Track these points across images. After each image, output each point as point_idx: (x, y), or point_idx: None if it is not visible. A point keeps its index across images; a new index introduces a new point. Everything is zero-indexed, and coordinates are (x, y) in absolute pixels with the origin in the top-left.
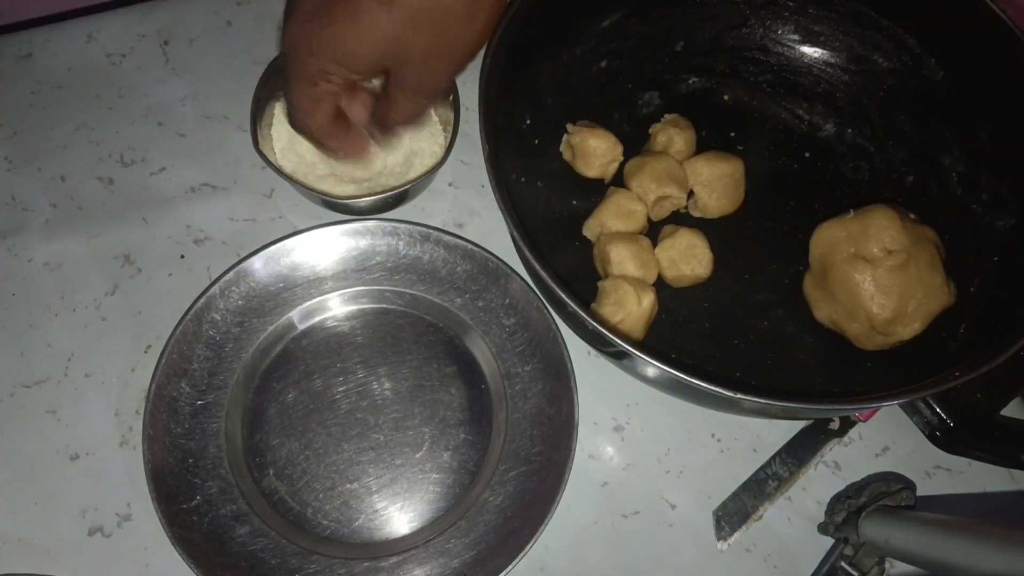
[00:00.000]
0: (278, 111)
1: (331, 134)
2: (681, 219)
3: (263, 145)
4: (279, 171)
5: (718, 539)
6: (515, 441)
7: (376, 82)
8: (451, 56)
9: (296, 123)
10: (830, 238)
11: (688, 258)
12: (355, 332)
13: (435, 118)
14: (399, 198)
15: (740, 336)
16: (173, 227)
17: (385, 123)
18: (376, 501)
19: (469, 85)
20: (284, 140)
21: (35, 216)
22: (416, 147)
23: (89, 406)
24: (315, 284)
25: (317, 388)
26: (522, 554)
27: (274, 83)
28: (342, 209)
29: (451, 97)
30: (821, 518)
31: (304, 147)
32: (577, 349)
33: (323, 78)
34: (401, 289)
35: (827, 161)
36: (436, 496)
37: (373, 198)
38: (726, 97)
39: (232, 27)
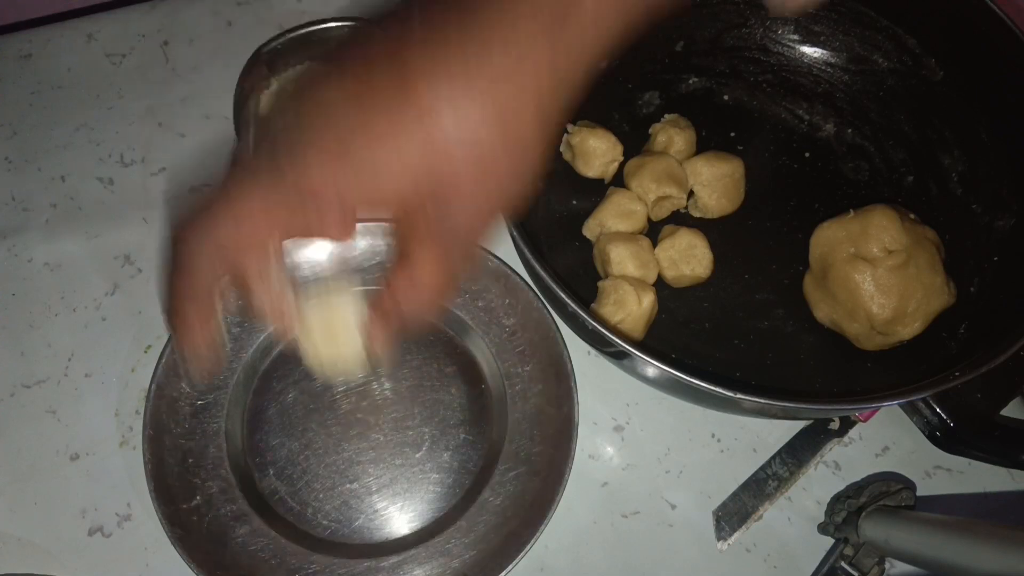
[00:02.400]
0: (263, 103)
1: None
2: (681, 219)
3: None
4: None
5: (718, 539)
6: (515, 441)
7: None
8: (489, 196)
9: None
10: (830, 238)
11: (688, 258)
12: None
13: None
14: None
15: (740, 336)
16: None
17: (407, 302)
18: (376, 501)
19: None
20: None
21: (35, 216)
22: None
23: (89, 406)
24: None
25: (317, 388)
26: (522, 554)
27: (257, 75)
28: None
29: None
30: (821, 518)
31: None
32: (577, 349)
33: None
34: None
35: (827, 161)
36: (436, 496)
37: None
38: (726, 97)
39: (232, 27)
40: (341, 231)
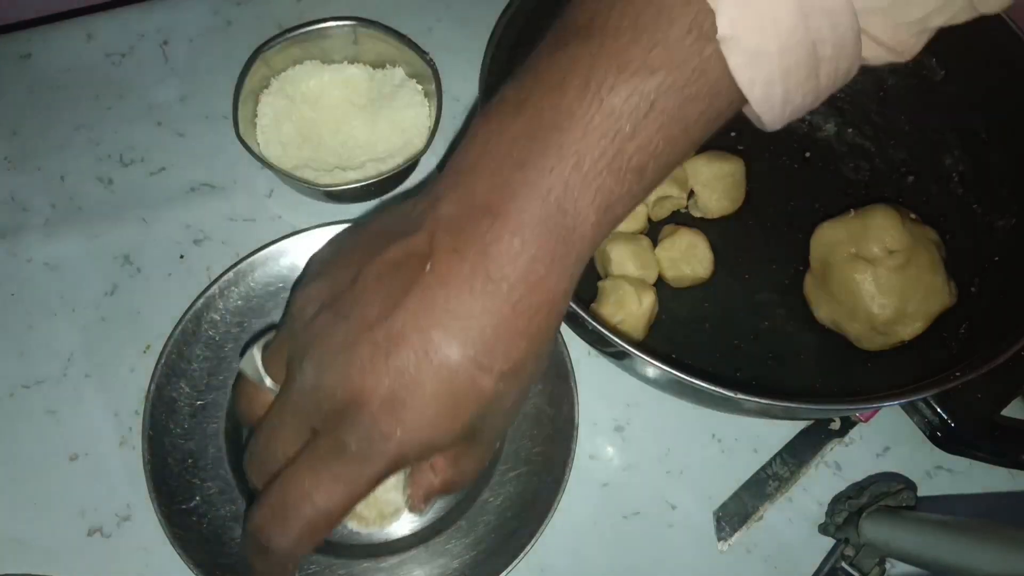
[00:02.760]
0: (263, 102)
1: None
2: (681, 219)
3: (245, 134)
4: (262, 160)
5: (719, 539)
6: (515, 441)
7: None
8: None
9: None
10: (831, 238)
11: (688, 258)
12: None
13: (422, 99)
14: (382, 185)
15: (740, 336)
16: (172, 227)
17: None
18: None
19: (469, 85)
20: (269, 131)
21: (35, 216)
22: (400, 138)
23: (89, 406)
24: None
25: None
26: (522, 554)
27: (258, 73)
28: (324, 197)
29: (435, 83)
30: (822, 519)
31: (287, 137)
32: (577, 349)
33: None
34: None
35: (828, 161)
36: None
37: (354, 185)
38: None
39: (232, 27)
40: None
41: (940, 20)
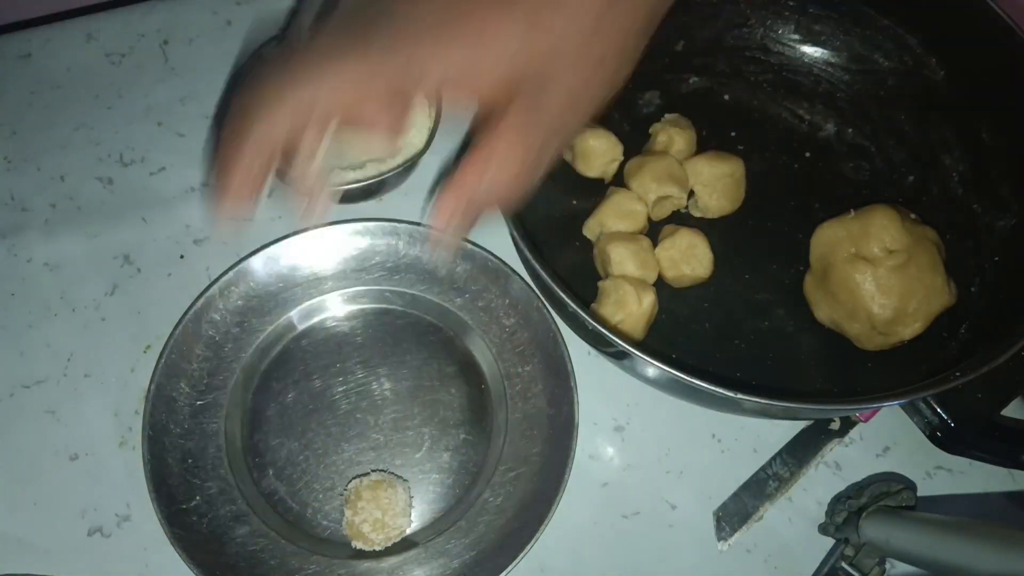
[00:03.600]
0: None
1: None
2: (681, 219)
3: None
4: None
5: (718, 539)
6: (515, 441)
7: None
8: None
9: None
10: (831, 238)
11: (688, 258)
12: (355, 332)
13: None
14: (382, 185)
15: (740, 336)
16: (173, 227)
17: (481, 183)
18: None
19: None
20: None
21: (35, 216)
22: (400, 138)
23: (89, 406)
24: (315, 284)
25: (317, 388)
26: (522, 554)
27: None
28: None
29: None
30: (822, 518)
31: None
32: (577, 349)
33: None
34: (401, 289)
35: (828, 161)
36: (436, 496)
37: (355, 185)
38: (726, 97)
39: (232, 27)
40: (395, 123)
41: None
